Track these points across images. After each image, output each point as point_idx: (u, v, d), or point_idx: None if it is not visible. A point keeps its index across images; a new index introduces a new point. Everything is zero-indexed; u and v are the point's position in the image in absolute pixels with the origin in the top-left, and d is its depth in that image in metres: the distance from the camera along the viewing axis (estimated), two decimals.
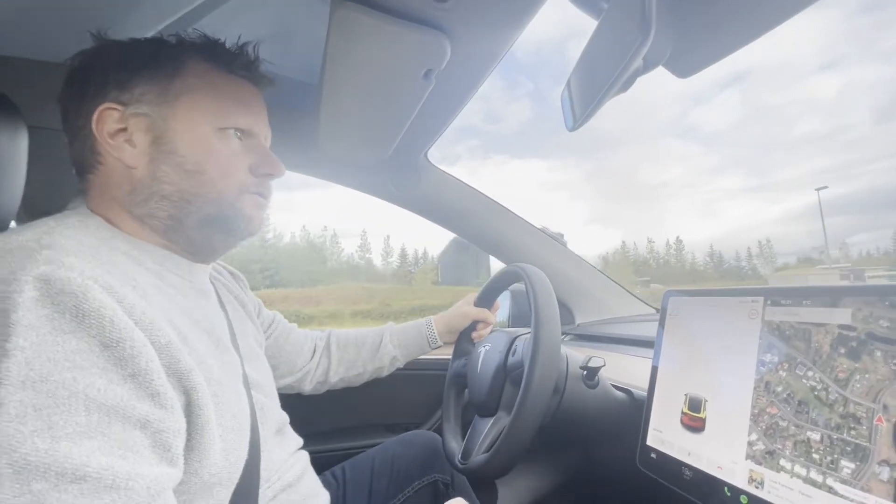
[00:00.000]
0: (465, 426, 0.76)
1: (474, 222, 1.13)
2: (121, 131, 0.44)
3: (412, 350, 0.86)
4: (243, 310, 0.64)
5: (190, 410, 0.38)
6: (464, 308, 0.86)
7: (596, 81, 0.42)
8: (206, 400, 0.39)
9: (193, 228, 0.47)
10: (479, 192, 1.09)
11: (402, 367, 0.87)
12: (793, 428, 0.41)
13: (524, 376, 0.57)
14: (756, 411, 0.45)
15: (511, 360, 0.68)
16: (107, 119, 0.44)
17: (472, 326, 0.88)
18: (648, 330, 0.94)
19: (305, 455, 0.62)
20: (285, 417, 0.61)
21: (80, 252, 0.35)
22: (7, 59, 0.69)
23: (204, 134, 0.46)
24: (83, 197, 0.47)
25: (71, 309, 0.31)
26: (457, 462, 0.67)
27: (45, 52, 0.68)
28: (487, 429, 0.65)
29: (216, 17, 0.72)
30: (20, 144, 0.53)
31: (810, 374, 0.42)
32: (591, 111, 0.44)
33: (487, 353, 0.73)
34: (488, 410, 0.68)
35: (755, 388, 0.45)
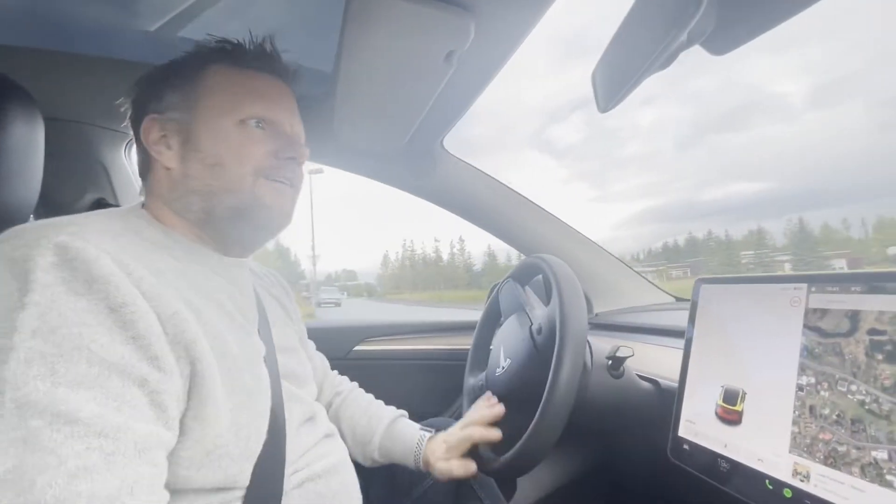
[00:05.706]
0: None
1: (491, 211, 1.12)
2: (162, 138, 0.51)
3: (395, 460, 0.71)
4: (283, 311, 0.66)
5: (195, 381, 0.40)
6: (465, 431, 0.67)
7: (633, 59, 0.40)
8: (212, 371, 0.40)
9: (223, 221, 0.51)
10: (496, 180, 1.07)
11: (419, 357, 0.79)
12: (854, 451, 0.38)
13: (550, 372, 0.55)
14: (808, 441, 0.42)
15: (539, 339, 0.65)
16: (150, 129, 0.50)
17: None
18: (670, 319, 0.92)
19: (341, 448, 0.61)
20: (317, 407, 0.62)
21: (101, 232, 0.39)
22: (23, 49, 0.68)
23: (223, 128, 0.50)
24: (143, 197, 0.53)
25: (84, 273, 0.35)
26: (482, 461, 0.66)
27: (60, 41, 0.67)
28: (513, 423, 0.64)
29: (230, 3, 0.71)
30: (37, 136, 0.53)
31: (854, 387, 0.39)
32: (628, 90, 0.42)
33: (507, 344, 0.71)
34: (514, 401, 0.66)
35: (800, 417, 0.43)
